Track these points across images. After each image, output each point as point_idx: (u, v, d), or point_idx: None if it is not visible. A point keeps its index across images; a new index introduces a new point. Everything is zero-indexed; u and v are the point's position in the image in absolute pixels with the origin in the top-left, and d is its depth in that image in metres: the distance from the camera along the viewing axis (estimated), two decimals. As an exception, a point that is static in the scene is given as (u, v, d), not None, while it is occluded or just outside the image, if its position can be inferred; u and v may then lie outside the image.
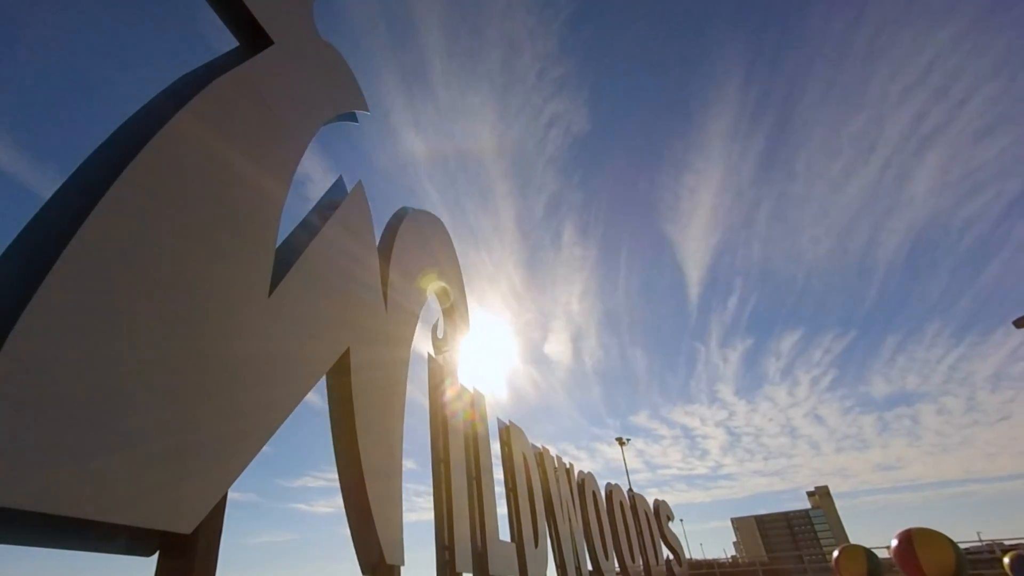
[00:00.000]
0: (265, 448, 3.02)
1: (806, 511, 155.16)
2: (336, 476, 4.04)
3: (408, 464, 4.93)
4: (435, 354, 6.86)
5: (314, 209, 4.30)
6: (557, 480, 10.29)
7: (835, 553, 14.09)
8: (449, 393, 6.44)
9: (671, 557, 19.01)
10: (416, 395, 5.86)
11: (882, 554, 14.58)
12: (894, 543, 12.20)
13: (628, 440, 30.10)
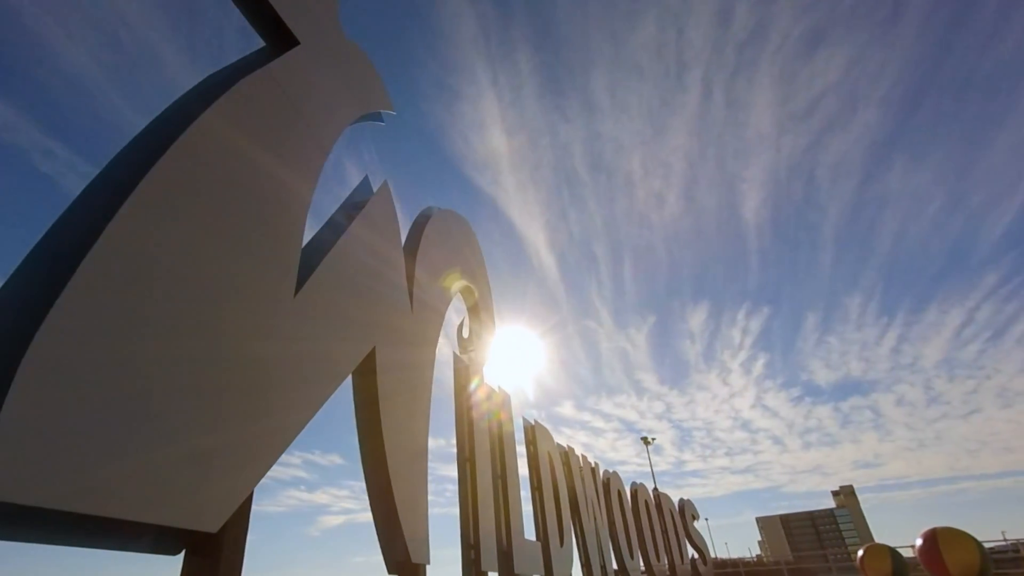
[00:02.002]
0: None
1: (831, 510, 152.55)
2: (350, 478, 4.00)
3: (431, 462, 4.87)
4: (461, 353, 6.80)
5: (340, 209, 4.26)
6: (582, 479, 10.15)
7: (860, 552, 13.93)
8: (475, 393, 6.37)
9: (696, 556, 18.70)
10: (441, 394, 5.81)
11: (907, 553, 14.27)
12: (919, 542, 12.07)
13: (654, 440, 29.77)
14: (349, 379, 3.81)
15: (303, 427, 3.08)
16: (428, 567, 4.33)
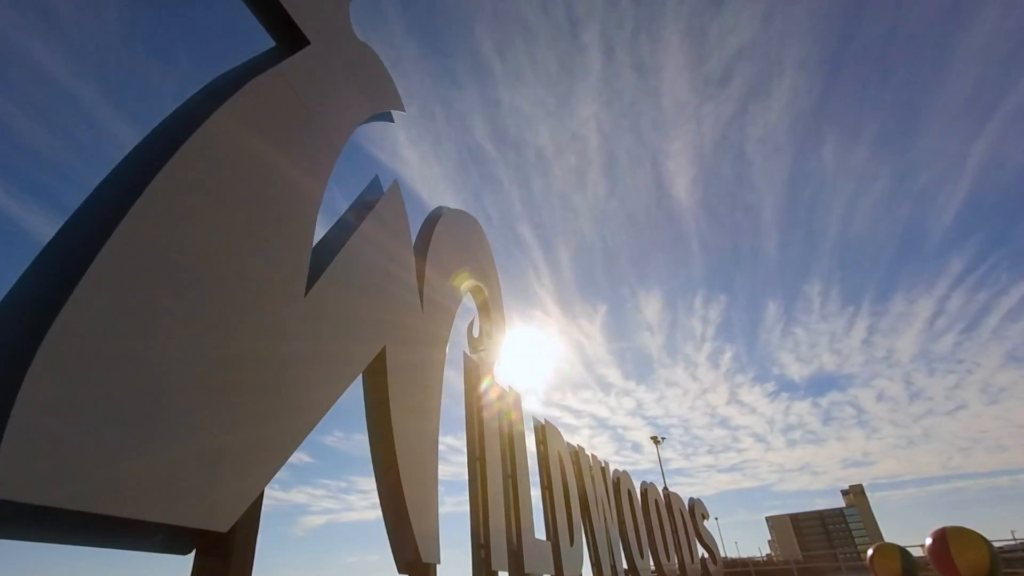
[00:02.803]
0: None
1: (840, 510, 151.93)
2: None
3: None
4: (471, 353, 6.77)
5: (350, 208, 4.23)
6: (592, 478, 10.09)
7: (869, 551, 13.87)
8: (485, 392, 6.34)
9: (706, 555, 18.56)
10: (451, 394, 5.78)
11: (916, 552, 14.18)
12: (928, 541, 12.00)
13: (663, 439, 29.63)
14: (357, 378, 3.78)
15: (314, 427, 3.06)
16: (439, 566, 4.31)
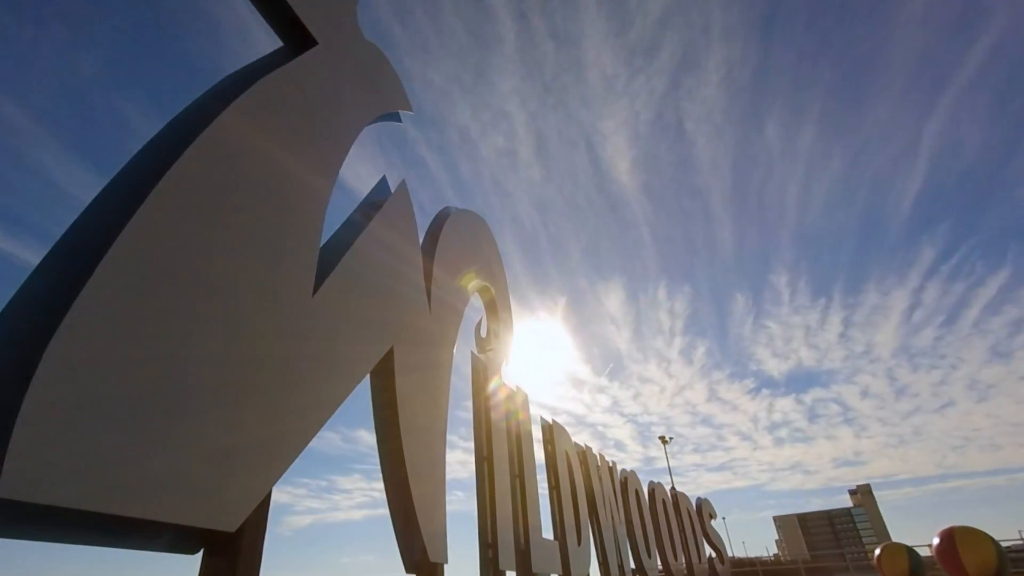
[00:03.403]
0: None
1: (848, 509, 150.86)
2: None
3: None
4: (479, 352, 6.74)
5: (358, 209, 4.21)
6: (600, 478, 10.04)
7: (877, 551, 13.86)
8: (492, 392, 6.31)
9: (714, 555, 18.45)
10: (459, 394, 5.75)
11: (924, 552, 14.13)
12: (936, 541, 12.02)
13: (671, 439, 29.51)
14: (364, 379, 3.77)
15: (321, 427, 3.04)
16: (446, 566, 4.29)
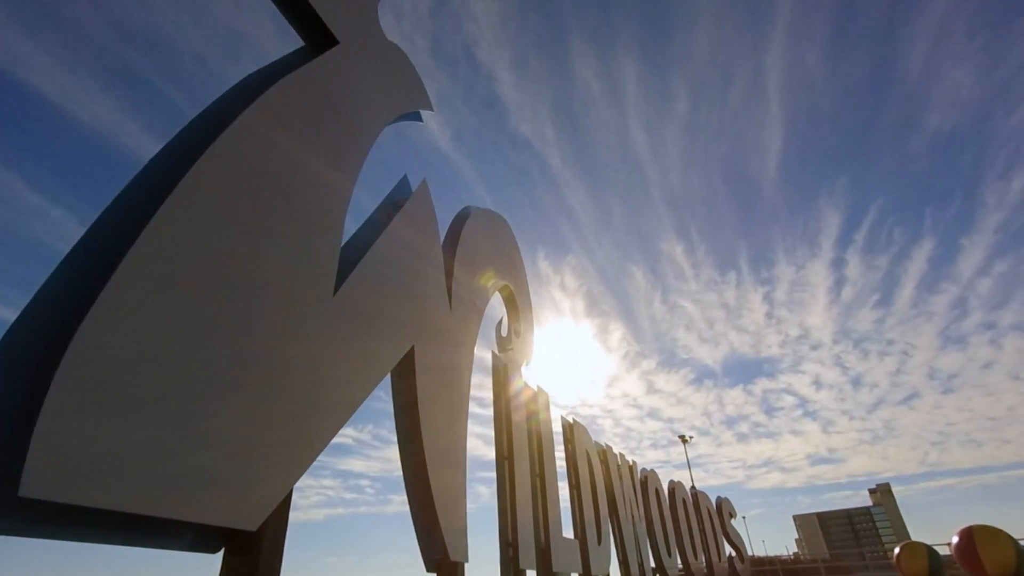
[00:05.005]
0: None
1: (867, 508, 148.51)
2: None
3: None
4: (499, 352, 6.68)
5: (379, 208, 4.15)
6: (620, 478, 9.90)
7: (896, 550, 13.64)
8: (513, 391, 6.24)
9: (733, 554, 18.21)
10: (479, 392, 5.70)
11: (943, 551, 13.87)
12: (955, 540, 11.79)
13: (691, 438, 29.20)
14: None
15: (342, 426, 2.99)
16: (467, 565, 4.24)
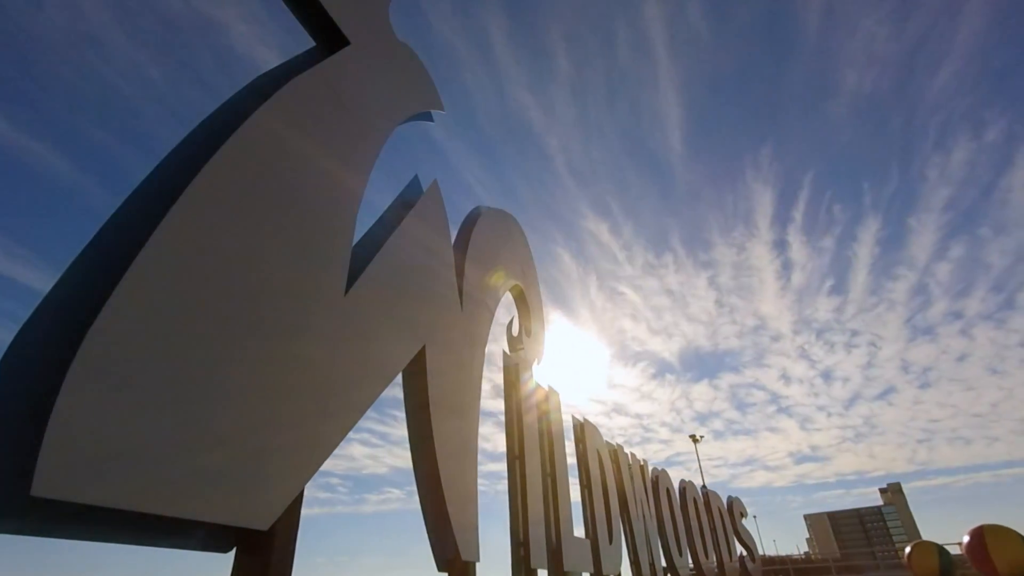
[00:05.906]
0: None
1: (878, 508, 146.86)
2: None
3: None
4: (510, 351, 6.64)
5: (390, 208, 4.12)
6: (631, 477, 9.83)
7: (907, 549, 13.66)
8: (524, 391, 6.19)
9: (744, 553, 18.03)
10: (490, 393, 5.67)
11: (954, 550, 13.76)
12: (966, 539, 11.85)
13: (702, 437, 28.99)
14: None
15: (353, 426, 2.96)
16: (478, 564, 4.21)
